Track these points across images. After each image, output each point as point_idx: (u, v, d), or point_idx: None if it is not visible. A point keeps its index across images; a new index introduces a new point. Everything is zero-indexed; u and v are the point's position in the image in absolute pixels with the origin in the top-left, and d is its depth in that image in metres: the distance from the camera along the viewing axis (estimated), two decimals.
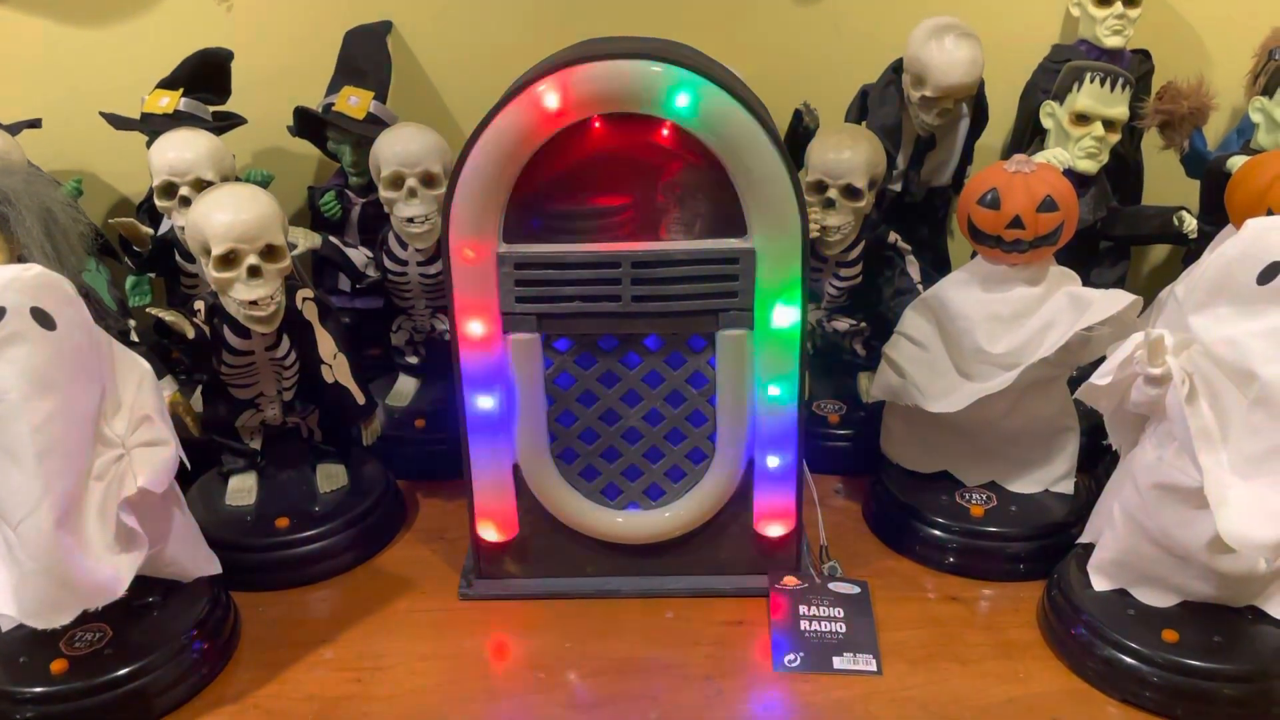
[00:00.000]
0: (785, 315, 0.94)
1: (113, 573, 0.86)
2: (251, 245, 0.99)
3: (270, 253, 1.01)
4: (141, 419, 0.89)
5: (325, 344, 1.09)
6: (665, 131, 0.91)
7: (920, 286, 1.24)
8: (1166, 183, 1.37)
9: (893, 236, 1.24)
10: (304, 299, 1.07)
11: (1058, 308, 1.02)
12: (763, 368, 0.96)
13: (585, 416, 0.99)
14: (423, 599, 1.05)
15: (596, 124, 0.91)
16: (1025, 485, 1.10)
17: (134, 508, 0.87)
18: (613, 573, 1.04)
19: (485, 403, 0.98)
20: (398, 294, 1.27)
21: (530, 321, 0.95)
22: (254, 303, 1.00)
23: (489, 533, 1.03)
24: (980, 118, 1.37)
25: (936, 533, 1.08)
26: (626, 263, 0.92)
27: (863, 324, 1.29)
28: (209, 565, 0.99)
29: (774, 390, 0.97)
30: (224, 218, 0.99)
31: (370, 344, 1.40)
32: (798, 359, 0.96)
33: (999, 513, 1.08)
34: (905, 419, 1.13)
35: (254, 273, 1.00)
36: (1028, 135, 1.37)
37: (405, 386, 1.33)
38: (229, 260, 1.00)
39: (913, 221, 1.39)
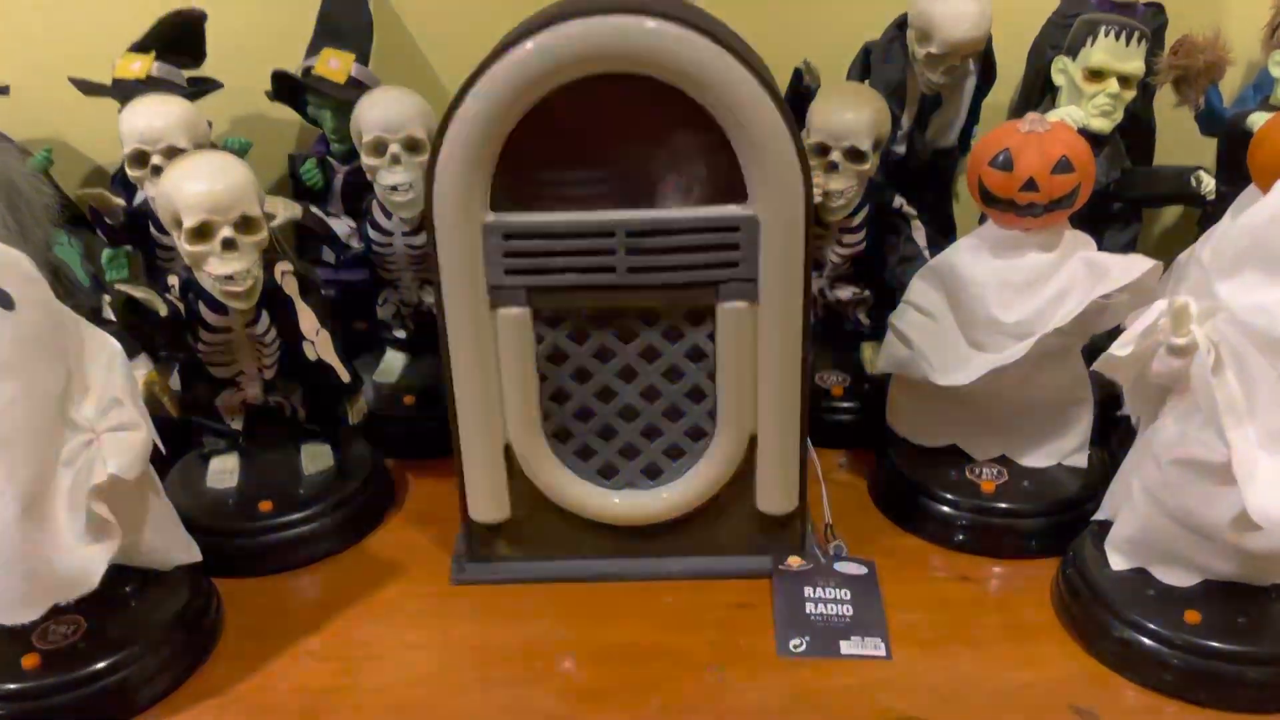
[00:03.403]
0: (789, 286, 0.89)
1: (84, 564, 0.82)
2: (225, 217, 0.94)
3: (246, 224, 0.96)
4: (111, 402, 0.84)
5: (307, 320, 1.04)
6: (662, 91, 0.86)
7: (927, 253, 1.19)
8: (1178, 141, 1.32)
9: (898, 201, 1.19)
10: (283, 273, 1.02)
11: (1073, 274, 0.97)
12: (765, 341, 0.91)
13: (579, 394, 0.95)
14: (413, 584, 1.01)
15: (588, 85, 0.85)
16: (1037, 459, 1.06)
17: (105, 495, 0.82)
18: (610, 555, 1.00)
19: (474, 381, 0.93)
20: (383, 266, 1.22)
21: (520, 295, 0.90)
22: (229, 277, 0.95)
23: (481, 515, 0.99)
24: (988, 75, 1.31)
25: (945, 509, 1.04)
26: (621, 231, 0.88)
27: (866, 292, 1.24)
28: (188, 552, 0.94)
29: (778, 364, 0.92)
30: (196, 188, 0.94)
31: (357, 317, 1.36)
32: (802, 332, 0.91)
33: (1010, 488, 1.04)
34: (912, 391, 1.08)
35: (229, 246, 0.95)
36: (1036, 93, 1.32)
37: (393, 362, 1.28)
38: (202, 233, 0.94)
39: (917, 185, 1.33)
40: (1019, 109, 1.37)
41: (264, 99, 1.31)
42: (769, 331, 0.91)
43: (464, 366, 0.93)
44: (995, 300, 0.99)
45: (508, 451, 0.96)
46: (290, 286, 1.03)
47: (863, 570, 0.98)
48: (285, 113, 1.33)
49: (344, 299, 1.36)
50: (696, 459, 0.97)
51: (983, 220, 1.33)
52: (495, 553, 1.01)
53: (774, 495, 0.97)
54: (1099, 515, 0.96)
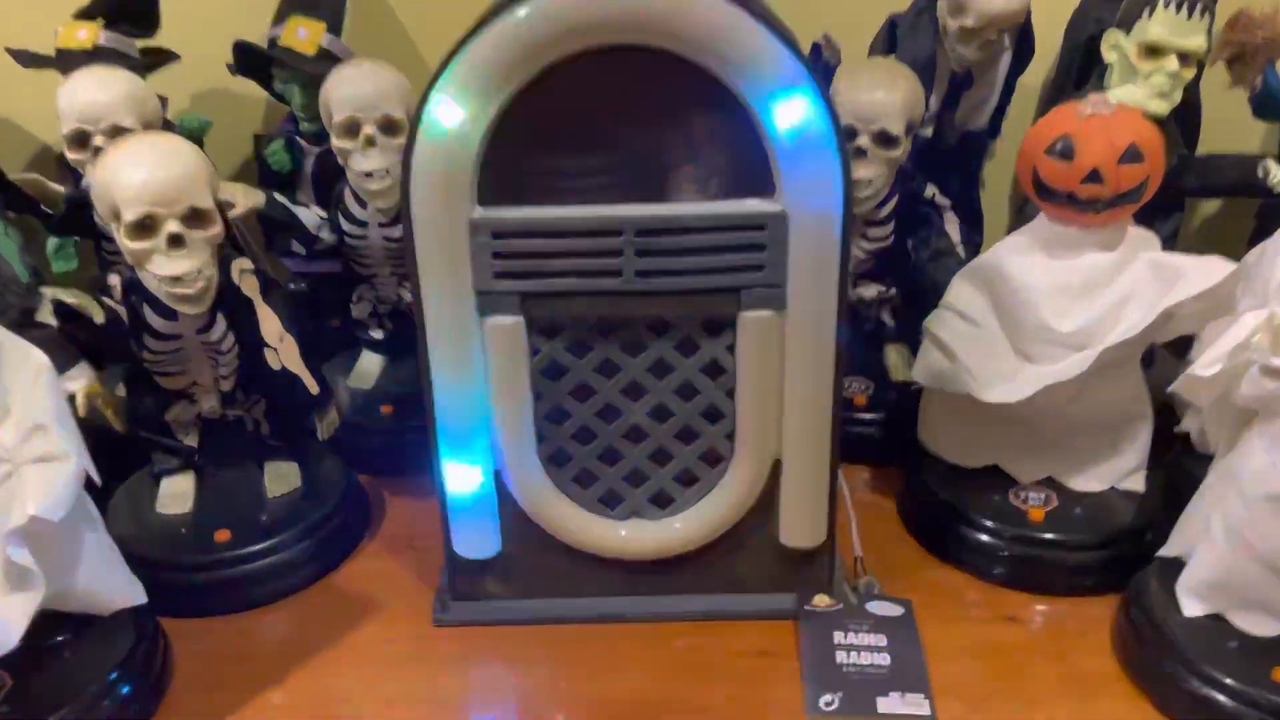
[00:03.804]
0: (821, 293, 0.78)
1: (1, 620, 0.70)
2: (171, 209, 0.82)
3: (196, 218, 0.84)
4: (34, 428, 0.72)
5: (269, 324, 0.92)
6: (676, 67, 0.74)
7: (960, 248, 1.08)
8: (1225, 125, 1.20)
9: (930, 190, 1.08)
10: (241, 271, 0.90)
11: (1138, 278, 0.86)
12: (793, 355, 0.80)
13: (579, 413, 0.83)
14: (390, 625, 0.89)
15: (591, 58, 0.73)
16: (1088, 481, 0.95)
17: (26, 538, 0.70)
18: (614, 593, 0.89)
19: (458, 399, 0.81)
20: (358, 260, 1.10)
21: (512, 302, 0.78)
22: (177, 279, 0.83)
23: (467, 550, 0.87)
24: (1024, 51, 1.19)
25: (987, 539, 0.93)
26: (629, 229, 0.76)
27: (892, 290, 1.13)
28: (131, 594, 0.82)
29: (805, 380, 0.81)
30: (136, 175, 0.81)
31: (330, 313, 1.25)
32: (835, 345, 0.80)
33: (1061, 515, 0.93)
34: (948, 404, 0.97)
35: (176, 242, 0.83)
36: (1074, 72, 1.21)
37: (369, 365, 1.17)
38: (145, 227, 0.82)
39: (942, 171, 1.22)
40: (1054, 90, 1.26)
41: (226, 73, 1.19)
42: (797, 344, 0.80)
43: (446, 383, 0.81)
44: (1048, 306, 0.88)
45: (497, 479, 0.85)
46: (250, 287, 0.91)
47: (898, 611, 0.87)
48: (250, 88, 1.21)
49: (316, 292, 1.25)
50: (712, 486, 0.85)
51: (1021, 212, 1.23)
52: (483, 591, 0.89)
53: (800, 527, 0.86)
54: (1166, 551, 0.85)
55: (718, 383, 0.82)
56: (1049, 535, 0.91)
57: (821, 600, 0.88)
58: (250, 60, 1.17)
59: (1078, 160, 0.84)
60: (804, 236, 0.76)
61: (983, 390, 0.89)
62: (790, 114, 0.73)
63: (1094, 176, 0.83)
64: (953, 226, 1.08)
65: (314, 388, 0.94)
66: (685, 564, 0.88)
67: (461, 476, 0.84)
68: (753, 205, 0.76)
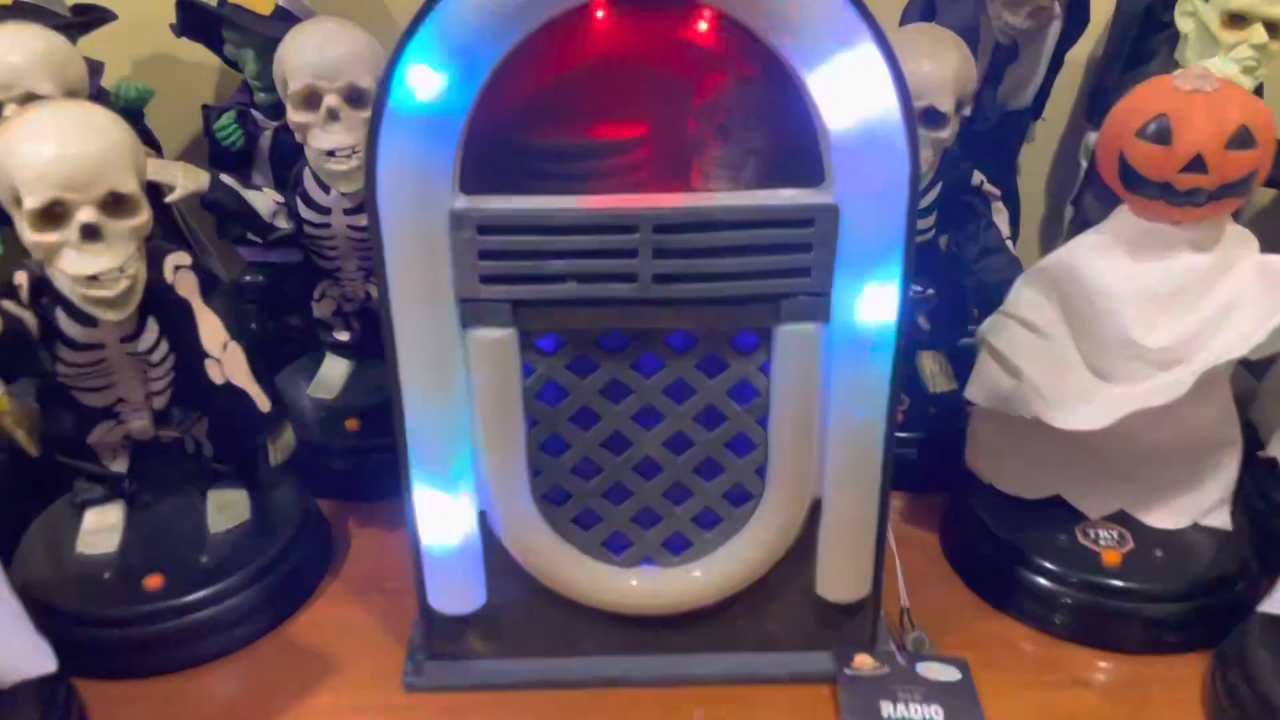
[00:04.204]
0: (878, 302, 0.64)
1: None
2: (86, 194, 0.67)
3: (117, 204, 0.69)
4: None
5: (211, 331, 0.77)
6: (704, 25, 0.60)
7: (1010, 243, 0.95)
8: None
9: (977, 177, 0.94)
10: (176, 268, 0.76)
11: (1242, 284, 0.73)
12: (840, 377, 0.66)
13: (582, 443, 0.69)
14: (352, 690, 0.75)
15: (600, 13, 0.59)
16: (1165, 517, 0.82)
17: None
18: (619, 652, 0.75)
19: (436, 427, 0.67)
20: (320, 252, 0.96)
21: (502, 312, 0.64)
22: (93, 278, 0.69)
23: (445, 604, 0.73)
24: (1077, 21, 1.07)
25: (1051, 585, 0.80)
26: (646, 225, 0.62)
27: (930, 291, 1.00)
28: (37, 660, 0.67)
29: (854, 408, 0.67)
30: (43, 151, 0.66)
31: (291, 311, 1.10)
32: (890, 366, 0.66)
33: (1139, 559, 0.80)
34: (1002, 425, 0.84)
35: (91, 234, 0.68)
36: (1129, 43, 1.08)
37: (333, 372, 1.02)
38: (53, 216, 0.67)
39: (979, 154, 1.09)
40: (1104, 67, 1.13)
41: (170, 35, 1.05)
42: (845, 364, 0.66)
43: (421, 408, 0.67)
44: (1134, 317, 0.75)
45: (483, 520, 0.71)
46: (186, 286, 0.76)
47: (955, 675, 0.74)
48: (198, 53, 1.09)
49: (277, 286, 1.11)
50: (738, 529, 0.72)
51: (1077, 203, 1.09)
52: (465, 649, 0.76)
53: (841, 578, 0.73)
54: (1268, 607, 0.72)
55: (747, 408, 0.68)
56: (1125, 583, 0.78)
57: (864, 661, 0.75)
58: (197, 20, 1.03)
59: (1177, 145, 0.70)
60: (858, 235, 0.62)
61: (1055, 414, 0.76)
62: (847, 82, 0.59)
63: (1196, 164, 0.70)
64: (1002, 219, 0.95)
65: (265, 404, 0.80)
66: (704, 619, 0.74)
67: (439, 518, 0.70)
68: (797, 196, 0.62)
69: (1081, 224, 1.04)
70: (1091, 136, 1.13)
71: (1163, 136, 0.71)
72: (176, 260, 0.76)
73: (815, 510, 0.71)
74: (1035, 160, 1.22)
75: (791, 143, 0.62)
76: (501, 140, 0.61)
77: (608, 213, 0.62)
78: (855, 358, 0.66)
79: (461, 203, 0.62)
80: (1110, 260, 0.76)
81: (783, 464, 0.69)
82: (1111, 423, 0.74)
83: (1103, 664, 0.77)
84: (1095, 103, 1.14)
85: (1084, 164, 1.14)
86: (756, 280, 0.64)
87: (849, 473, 0.69)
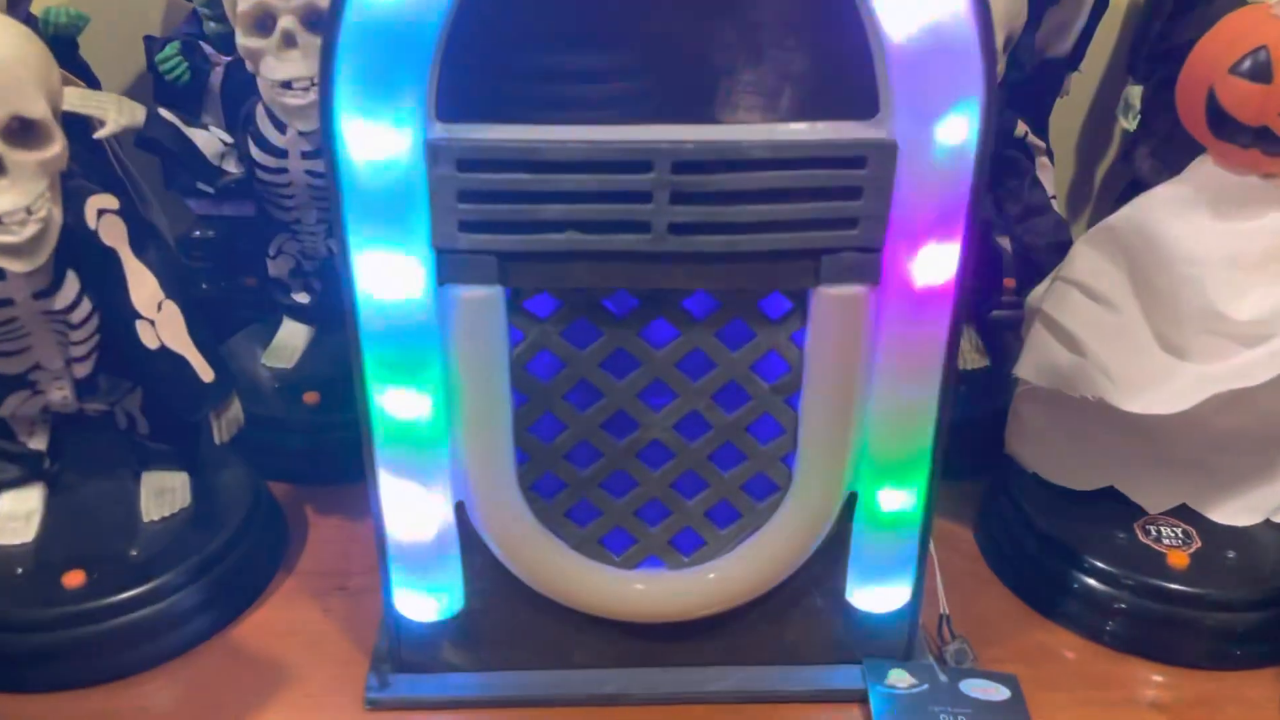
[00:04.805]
0: (941, 261, 0.54)
1: None
2: None
3: (24, 133, 0.58)
4: None
5: (142, 287, 0.66)
6: None
7: (1055, 202, 0.85)
8: None
9: (1021, 128, 0.84)
10: (101, 211, 0.64)
11: None
12: (889, 350, 0.56)
13: (579, 424, 0.59)
14: (307, 707, 0.65)
15: None
16: (1236, 513, 0.73)
17: None
18: (616, 664, 0.65)
19: (405, 403, 0.57)
20: (276, 201, 0.84)
21: (487, 266, 0.53)
22: None
23: (415, 610, 0.63)
24: None
25: (1109, 589, 0.70)
26: (663, 162, 0.51)
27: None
28: None
29: (903, 388, 0.57)
30: None
31: (245, 270, 1.00)
32: (948, 339, 0.56)
33: (1209, 561, 0.70)
34: (1049, 406, 0.74)
35: None
36: None
37: (291, 338, 0.91)
38: None
39: (1012, 105, 0.99)
40: (1146, 15, 1.02)
41: None
42: (896, 335, 0.56)
43: (388, 383, 0.56)
44: (1218, 285, 0.65)
45: (460, 513, 0.60)
46: (112, 233, 0.65)
47: (1003, 694, 0.65)
48: None
49: (231, 241, 1.01)
50: (759, 526, 0.62)
51: (1127, 157, 0.99)
52: (438, 661, 0.65)
53: (877, 584, 0.63)
54: None
55: (775, 385, 0.58)
56: (1194, 588, 0.69)
57: (900, 678, 0.65)
58: None
59: (1279, 82, 0.60)
60: (920, 179, 0.52)
61: (1123, 396, 0.66)
62: None
63: None
64: (1047, 176, 0.85)
65: (207, 373, 0.69)
66: (716, 628, 0.64)
67: (409, 510, 0.60)
68: (847, 130, 0.52)
69: (1133, 184, 0.94)
70: (1133, 90, 1.03)
71: (1261, 72, 0.61)
72: (101, 203, 0.64)
73: (849, 505, 0.61)
74: (1065, 117, 1.12)
75: (838, 66, 0.51)
76: (487, 57, 0.50)
77: (617, 146, 0.51)
78: (908, 328, 0.55)
79: (438, 132, 0.51)
80: (1190, 219, 0.66)
81: (814, 452, 0.59)
82: (1189, 407, 0.64)
83: (1167, 680, 0.68)
84: (1137, 53, 1.04)
85: (1122, 120, 1.04)
86: (794, 232, 0.53)
87: (893, 463, 0.59)
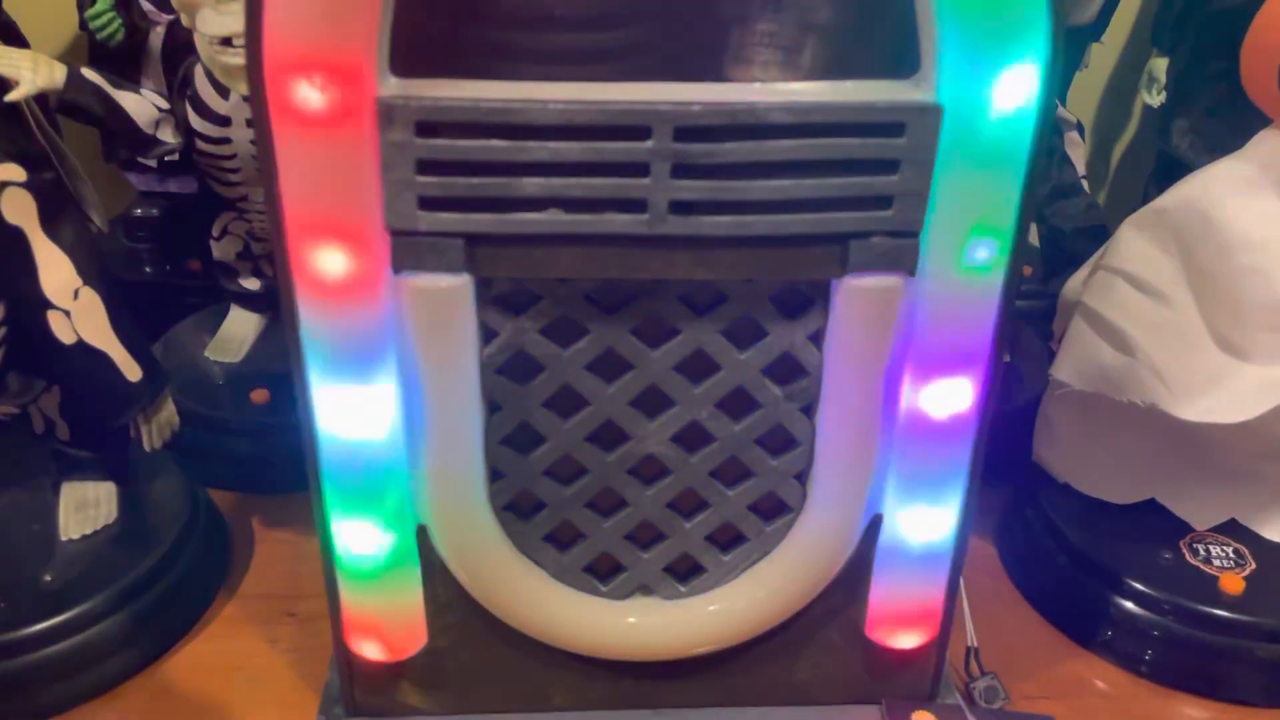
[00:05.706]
0: (989, 247, 0.46)
1: None
2: None
3: None
4: None
5: (56, 272, 0.58)
6: None
7: (1085, 182, 0.78)
8: None
9: None
10: (3, 184, 0.55)
11: None
12: (925, 352, 0.48)
13: (561, 435, 0.50)
14: None
15: None
16: None
17: None
18: (601, 705, 0.57)
19: (356, 414, 0.48)
20: (218, 175, 0.75)
21: (452, 251, 0.45)
22: None
23: (370, 649, 0.54)
24: None
25: (1153, 616, 0.63)
26: (663, 128, 0.43)
27: None
28: None
29: (941, 393, 0.49)
30: None
31: (189, 252, 0.92)
32: (994, 337, 0.48)
33: (1265, 584, 0.63)
34: (1083, 410, 0.67)
35: None
36: None
37: (238, 328, 0.83)
38: None
39: None
40: None
41: None
42: (934, 335, 0.48)
43: (334, 388, 0.48)
44: None
45: (422, 536, 0.52)
46: (18, 209, 0.57)
47: None
48: None
49: (175, 221, 0.93)
50: (768, 551, 0.54)
51: (1164, 134, 0.91)
52: (397, 703, 0.57)
53: (900, 618, 0.56)
54: None
55: (790, 392, 0.50)
56: (1249, 616, 0.61)
57: (924, 719, 0.57)
58: None
59: None
60: (968, 150, 0.44)
61: (1179, 402, 0.58)
62: None
63: None
64: (1077, 153, 0.78)
65: (133, 371, 0.61)
66: (717, 666, 0.56)
67: (362, 533, 0.51)
68: (881, 91, 0.44)
69: (1170, 162, 0.86)
70: (1158, 63, 0.95)
71: None
72: (4, 174, 0.55)
73: (872, 529, 0.53)
74: (1082, 92, 1.05)
75: (871, 14, 0.43)
76: (454, 1, 0.42)
77: (609, 108, 0.43)
78: (948, 326, 0.47)
79: (393, 89, 0.42)
80: (1256, 201, 0.58)
81: (834, 468, 0.51)
82: (1253, 417, 0.57)
83: (1216, 718, 0.61)
84: (1161, 23, 0.97)
85: (1145, 95, 0.97)
86: (817, 213, 0.45)
87: (925, 482, 0.51)
